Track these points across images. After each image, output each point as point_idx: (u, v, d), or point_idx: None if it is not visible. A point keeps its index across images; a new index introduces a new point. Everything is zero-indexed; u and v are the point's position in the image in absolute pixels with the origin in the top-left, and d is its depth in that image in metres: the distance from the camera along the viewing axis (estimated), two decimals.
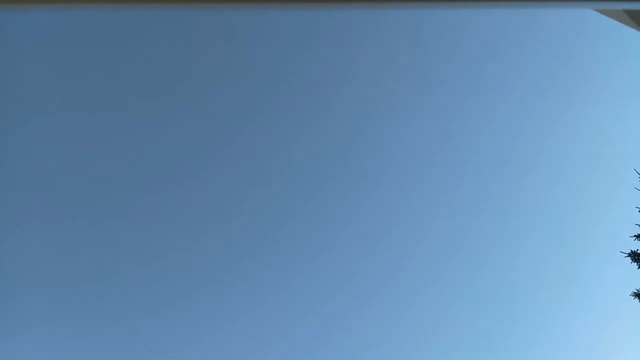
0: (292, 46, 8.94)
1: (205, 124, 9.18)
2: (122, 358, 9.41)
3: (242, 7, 1.31)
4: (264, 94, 9.11)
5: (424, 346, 10.29)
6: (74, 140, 8.72)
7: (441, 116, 9.66)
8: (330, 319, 10.11)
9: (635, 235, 8.60)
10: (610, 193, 10.04)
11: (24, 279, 8.76)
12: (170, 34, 8.52)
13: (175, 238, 9.48)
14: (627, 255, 8.58)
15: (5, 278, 8.71)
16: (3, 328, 8.75)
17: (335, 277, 10.12)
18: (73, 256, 9.09)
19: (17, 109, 8.28)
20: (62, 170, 8.76)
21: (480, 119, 9.75)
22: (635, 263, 8.51)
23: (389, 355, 10.21)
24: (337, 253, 10.12)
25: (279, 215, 9.82)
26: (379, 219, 10.15)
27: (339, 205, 9.93)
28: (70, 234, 9.05)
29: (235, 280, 9.82)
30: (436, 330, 10.41)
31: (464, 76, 9.44)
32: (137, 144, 9.06)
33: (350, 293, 10.20)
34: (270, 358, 10.01)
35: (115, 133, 8.89)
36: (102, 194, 9.07)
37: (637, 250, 8.52)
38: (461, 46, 9.33)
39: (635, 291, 8.51)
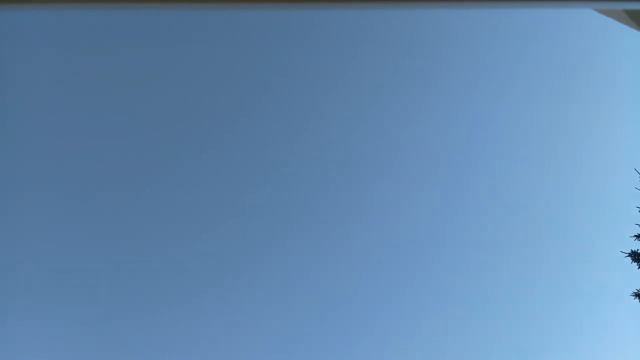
0: (292, 45, 8.94)
1: (205, 123, 9.19)
2: (122, 357, 9.42)
3: (240, 7, 1.30)
4: (263, 94, 9.11)
5: (424, 346, 10.29)
6: (73, 140, 8.72)
7: (441, 117, 9.66)
8: (330, 320, 10.11)
9: (635, 235, 8.59)
10: (610, 193, 10.04)
11: (22, 279, 8.77)
12: (169, 34, 8.52)
13: (175, 238, 9.48)
14: (627, 255, 8.57)
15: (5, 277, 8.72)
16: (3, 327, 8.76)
17: (335, 278, 10.13)
18: (72, 255, 9.10)
19: (16, 109, 8.28)
20: (61, 170, 8.76)
21: (479, 119, 9.75)
22: (635, 263, 8.50)
23: (389, 356, 10.22)
24: (337, 254, 10.12)
25: (279, 215, 9.82)
26: (378, 219, 10.15)
27: (338, 206, 9.93)
28: (69, 233, 9.06)
29: (234, 281, 9.82)
30: (436, 330, 10.41)
31: (463, 76, 9.44)
32: (136, 144, 9.06)
33: (349, 294, 10.21)
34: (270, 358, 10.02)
35: (114, 132, 8.89)
36: (101, 194, 9.07)
37: (637, 250, 8.51)
38: (460, 46, 9.33)
39: (635, 291, 8.49)
